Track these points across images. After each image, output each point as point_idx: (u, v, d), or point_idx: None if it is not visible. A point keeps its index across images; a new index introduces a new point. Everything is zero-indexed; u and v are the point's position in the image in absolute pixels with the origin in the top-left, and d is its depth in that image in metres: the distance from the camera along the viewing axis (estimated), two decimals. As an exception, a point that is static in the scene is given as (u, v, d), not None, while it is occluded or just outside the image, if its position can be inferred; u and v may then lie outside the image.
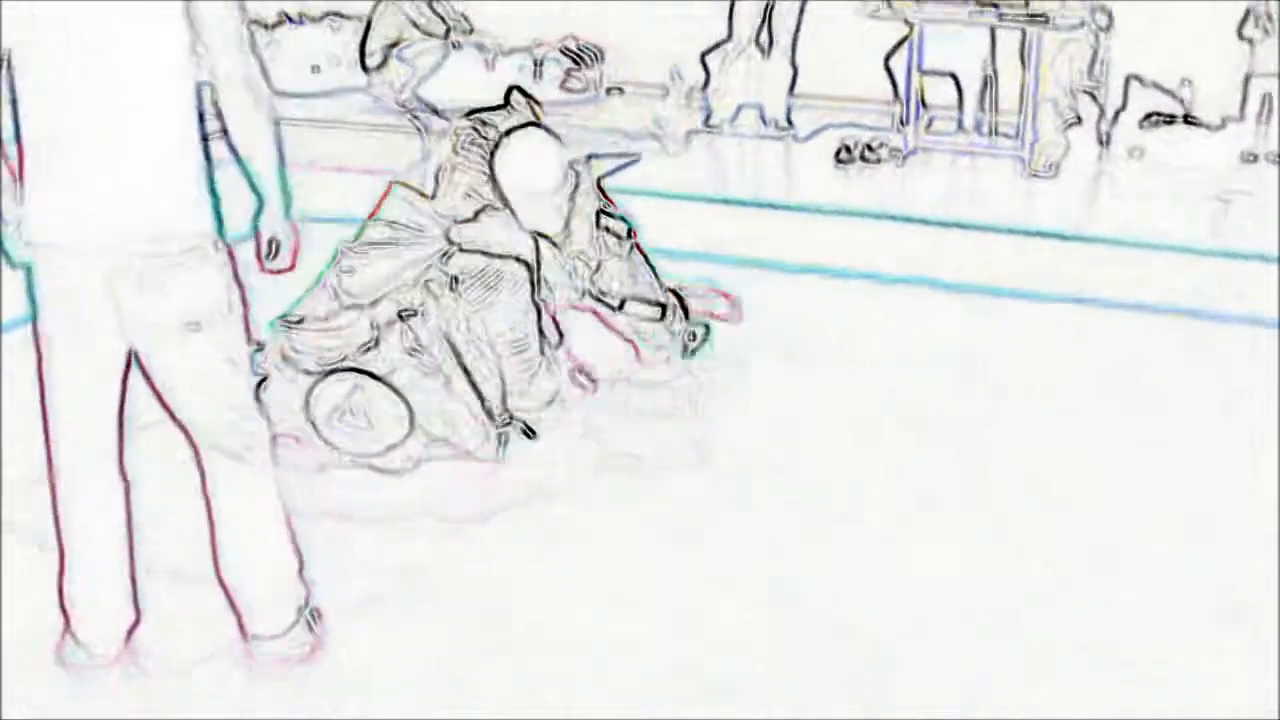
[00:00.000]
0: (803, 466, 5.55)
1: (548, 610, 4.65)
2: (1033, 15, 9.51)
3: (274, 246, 4.18)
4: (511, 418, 5.59)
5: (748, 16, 10.48)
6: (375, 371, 5.54)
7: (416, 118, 11.04)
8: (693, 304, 6.39)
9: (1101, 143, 9.91)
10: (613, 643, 4.48)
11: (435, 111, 11.27)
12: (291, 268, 4.25)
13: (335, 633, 4.43)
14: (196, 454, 4.21)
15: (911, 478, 5.47)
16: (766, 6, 10.45)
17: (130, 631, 4.29)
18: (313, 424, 5.60)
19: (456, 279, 5.58)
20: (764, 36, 10.50)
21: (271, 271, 4.21)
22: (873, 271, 7.57)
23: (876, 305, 7.26)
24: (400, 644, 4.48)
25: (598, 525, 5.18)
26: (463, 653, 4.43)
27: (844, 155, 9.85)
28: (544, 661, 4.40)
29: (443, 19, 11.48)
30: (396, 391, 5.52)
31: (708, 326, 6.37)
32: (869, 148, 9.85)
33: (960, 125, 10.09)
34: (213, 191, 4.06)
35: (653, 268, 6.39)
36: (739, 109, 10.65)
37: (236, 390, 4.18)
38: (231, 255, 4.11)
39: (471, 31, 11.51)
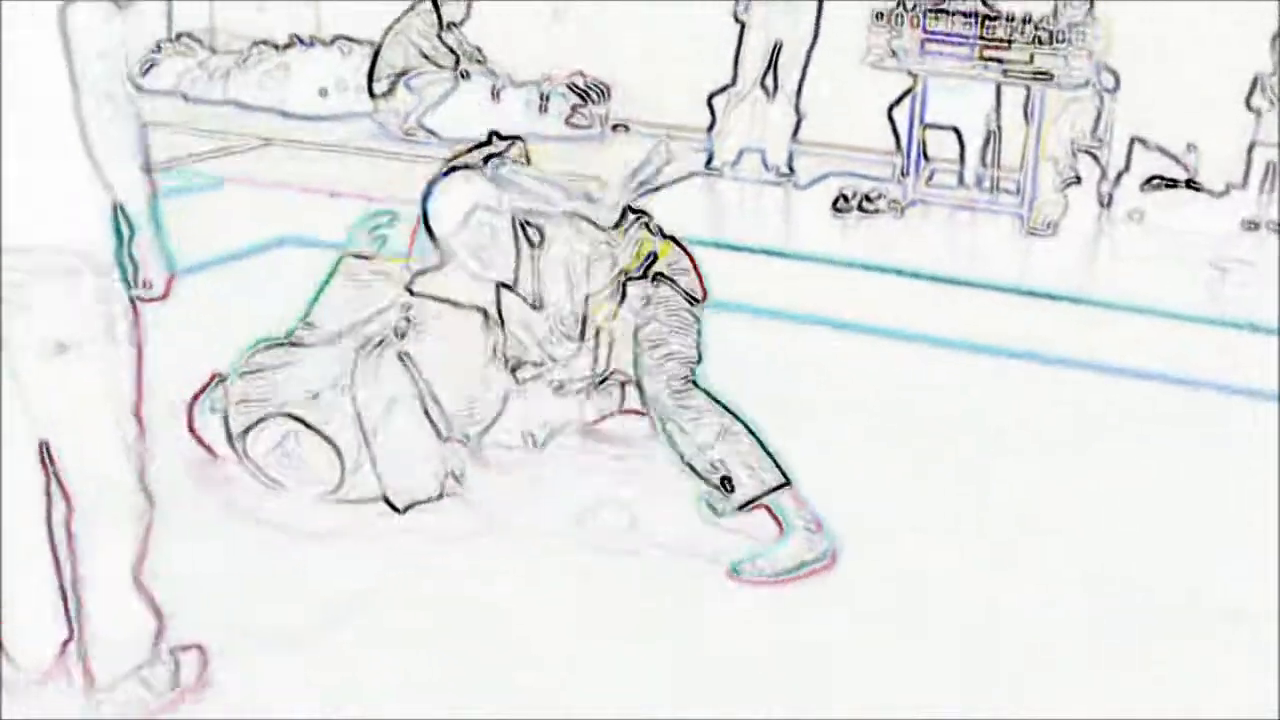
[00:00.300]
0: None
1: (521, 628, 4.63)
2: (1038, 72, 9.50)
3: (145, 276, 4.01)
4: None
5: (754, 61, 10.49)
6: (306, 419, 5.47)
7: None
8: None
9: (1102, 204, 9.90)
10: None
11: (434, 135, 11.29)
12: (163, 297, 4.06)
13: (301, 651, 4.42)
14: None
15: (900, 528, 5.43)
16: (772, 51, 10.45)
17: (64, 647, 4.23)
18: (253, 463, 5.56)
19: (408, 321, 5.50)
20: (769, 80, 10.50)
21: (143, 300, 4.02)
22: (865, 323, 7.53)
23: (866, 357, 7.22)
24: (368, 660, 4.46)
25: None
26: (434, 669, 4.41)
27: (842, 204, 9.84)
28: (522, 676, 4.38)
29: (452, 50, 11.50)
30: (327, 439, 5.45)
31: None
32: (867, 198, 9.84)
33: (961, 179, 10.08)
34: (122, 214, 3.92)
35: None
36: (741, 153, 10.65)
37: (111, 440, 4.00)
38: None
39: (483, 63, 11.53)
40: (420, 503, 5.40)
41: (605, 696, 4.35)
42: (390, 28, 11.51)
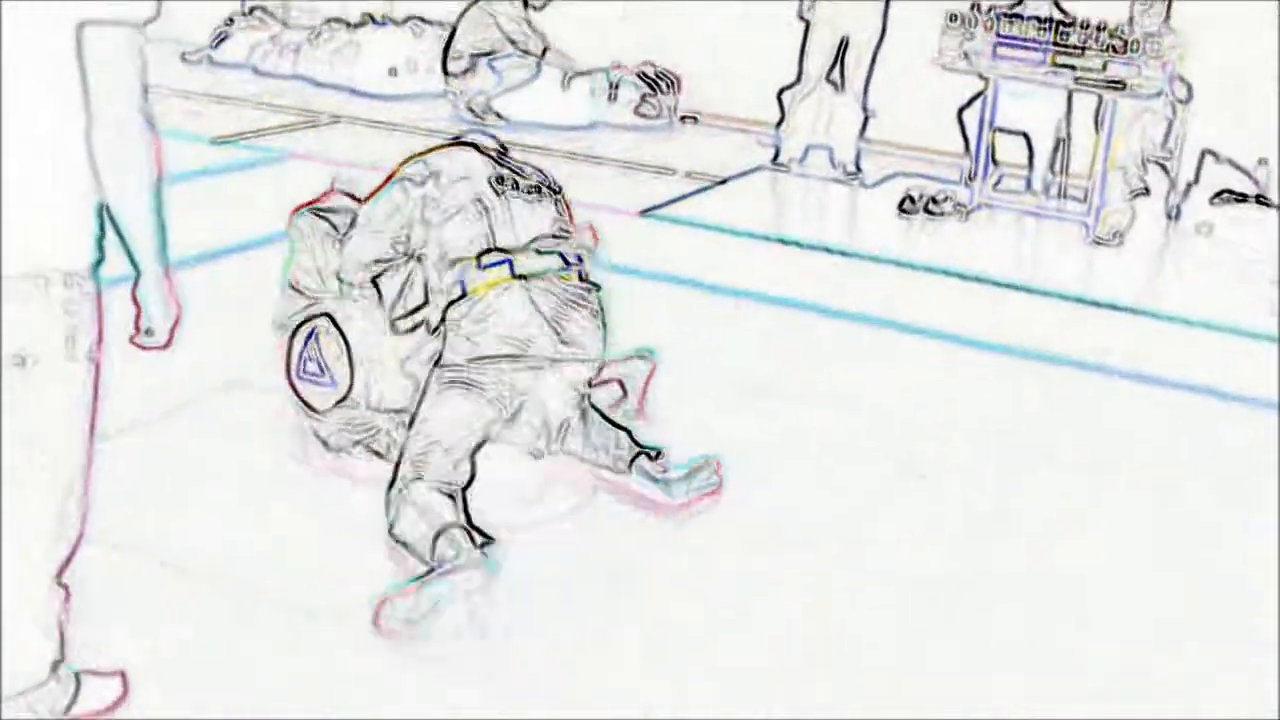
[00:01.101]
0: (840, 515, 5.48)
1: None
2: (1110, 81, 9.44)
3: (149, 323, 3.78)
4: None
5: (819, 57, 10.46)
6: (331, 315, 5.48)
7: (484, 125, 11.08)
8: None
9: (1170, 216, 9.84)
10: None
11: (502, 119, 11.31)
12: (166, 346, 3.80)
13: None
14: None
15: (944, 535, 5.40)
16: (839, 48, 10.43)
17: None
18: (291, 378, 5.58)
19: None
20: (836, 75, 10.48)
21: (142, 347, 3.78)
22: (925, 326, 7.50)
23: (926, 360, 7.19)
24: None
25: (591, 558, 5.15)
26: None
27: (908, 205, 9.80)
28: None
29: (542, 37, 11.52)
30: (342, 334, 5.45)
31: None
32: (934, 200, 9.80)
33: (1029, 185, 10.04)
34: (105, 229, 3.65)
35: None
36: (807, 149, 10.63)
37: (58, 456, 3.74)
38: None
39: (546, 50, 11.55)
40: None
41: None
42: (470, 6, 11.51)
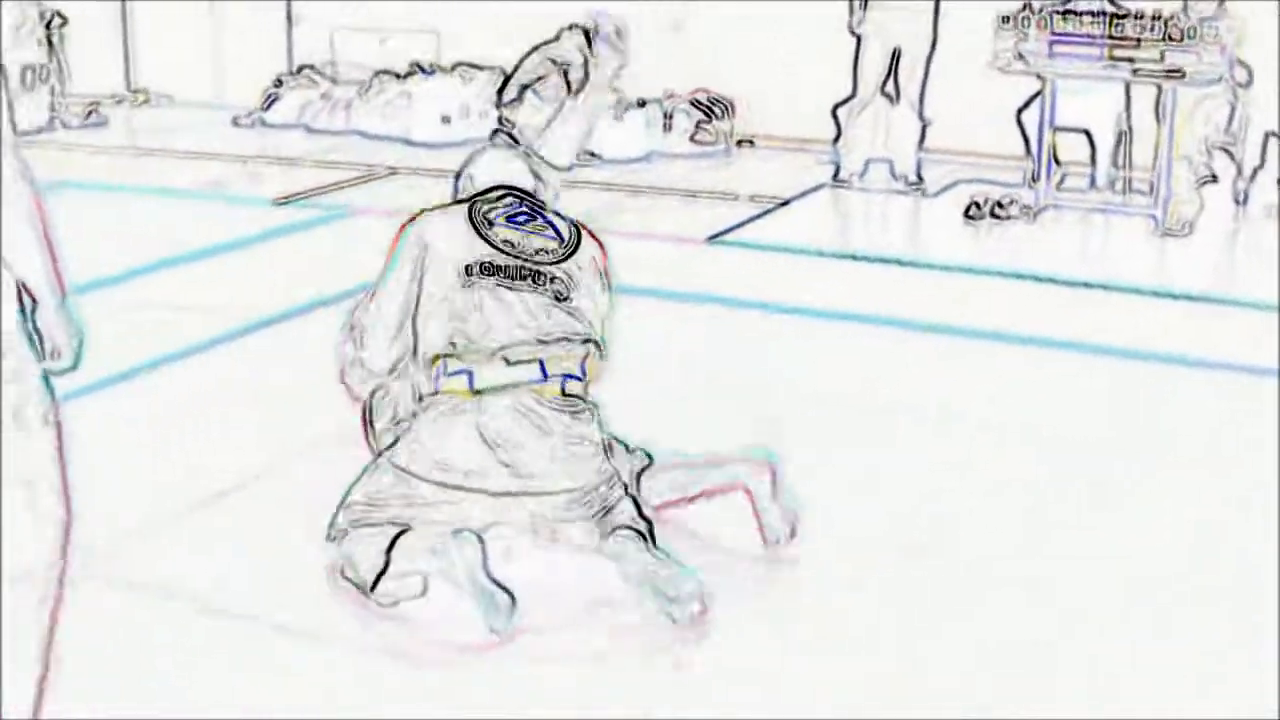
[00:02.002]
0: (936, 531, 5.42)
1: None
2: (1169, 70, 9.37)
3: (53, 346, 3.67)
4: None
5: (873, 70, 10.43)
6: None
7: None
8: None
9: (1238, 201, 9.75)
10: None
11: (594, 156, 11.31)
12: (74, 367, 3.70)
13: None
14: None
15: (1040, 541, 5.33)
16: (892, 59, 10.39)
17: None
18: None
19: None
20: (890, 88, 10.45)
21: (54, 373, 3.66)
22: (1003, 331, 7.45)
23: (1006, 365, 7.13)
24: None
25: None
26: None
27: (974, 211, 9.75)
28: None
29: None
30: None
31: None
32: (999, 204, 9.75)
33: (1093, 182, 9.97)
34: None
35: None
36: (867, 163, 10.59)
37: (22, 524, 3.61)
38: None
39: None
40: None
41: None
42: (532, 51, 11.50)
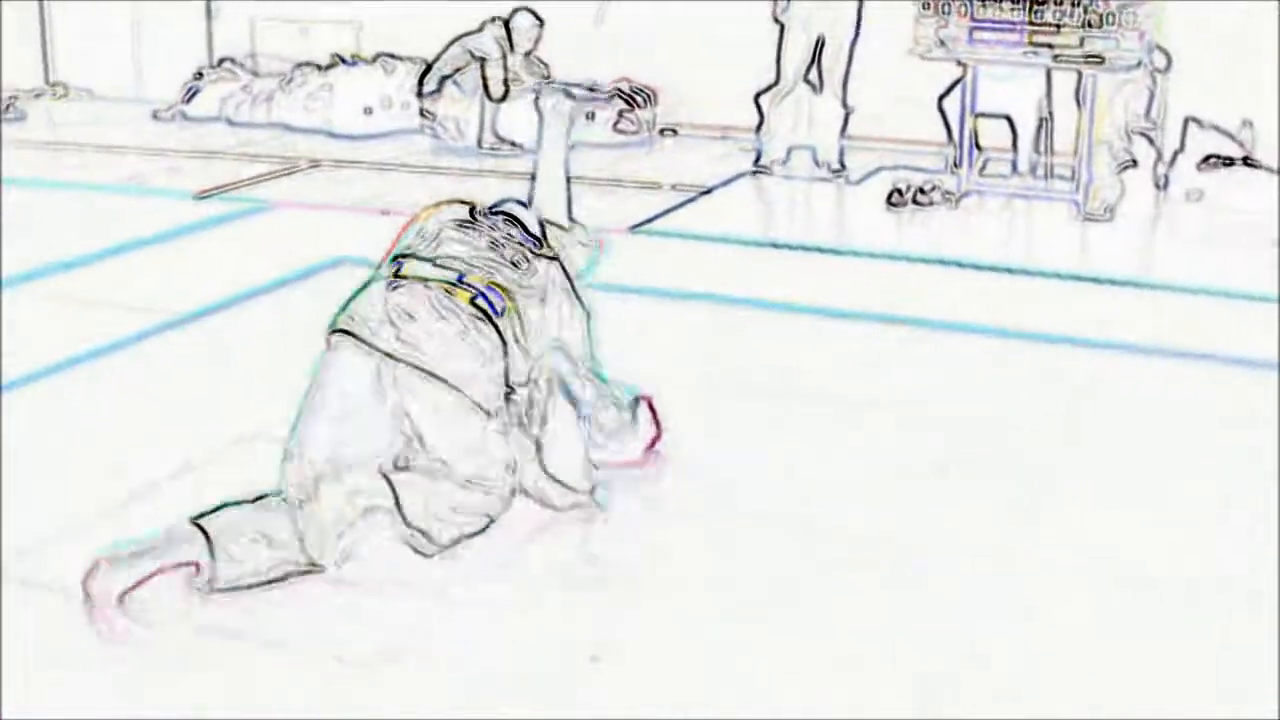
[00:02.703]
0: (869, 512, 5.43)
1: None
2: (1088, 56, 9.41)
3: None
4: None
5: (795, 58, 10.45)
6: None
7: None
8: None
9: (1158, 186, 9.82)
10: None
11: (515, 146, 11.31)
12: None
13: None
14: None
15: (976, 525, 5.34)
16: (815, 47, 10.41)
17: None
18: None
19: None
20: (814, 75, 10.47)
21: None
22: (925, 317, 7.46)
23: (928, 351, 7.14)
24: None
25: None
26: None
27: (896, 198, 9.78)
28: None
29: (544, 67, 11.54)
30: None
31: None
32: (921, 190, 9.78)
33: (1015, 168, 10.02)
34: None
35: None
36: (789, 151, 10.61)
37: None
38: None
39: (549, 79, 11.53)
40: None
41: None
42: (451, 43, 11.48)
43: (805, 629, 4.65)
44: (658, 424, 5.77)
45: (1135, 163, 9.66)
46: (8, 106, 12.55)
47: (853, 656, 4.50)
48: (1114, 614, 4.73)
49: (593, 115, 11.47)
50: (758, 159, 10.75)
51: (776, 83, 10.54)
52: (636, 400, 5.73)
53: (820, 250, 8.81)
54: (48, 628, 4.56)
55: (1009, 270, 8.34)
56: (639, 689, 4.32)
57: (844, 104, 10.50)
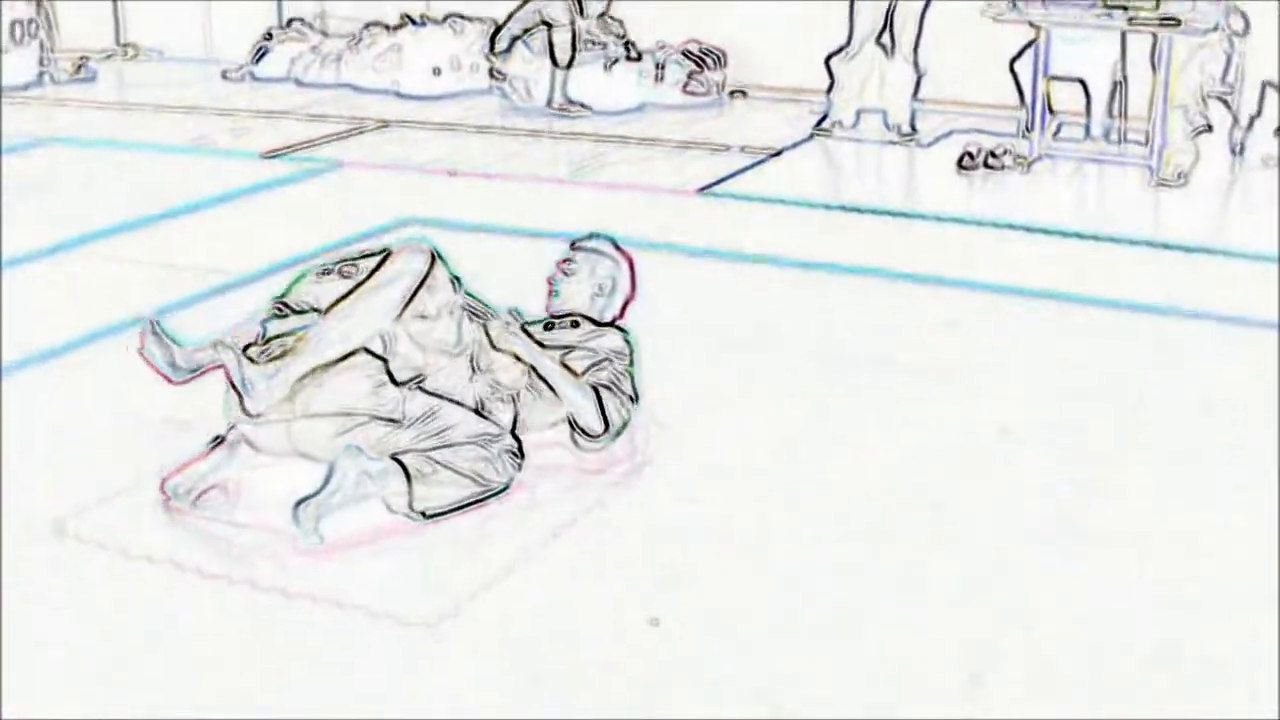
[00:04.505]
0: (927, 481, 5.40)
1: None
2: (1164, 19, 9.30)
3: None
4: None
5: (867, 20, 10.37)
6: None
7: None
8: None
9: (1234, 151, 9.69)
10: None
11: (585, 108, 11.29)
12: None
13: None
14: None
15: (1043, 493, 5.30)
16: (888, 9, 10.33)
17: None
18: None
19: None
20: (885, 38, 10.38)
21: None
22: (995, 282, 7.41)
23: (998, 316, 7.09)
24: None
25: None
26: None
27: (967, 162, 9.69)
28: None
29: (620, 25, 11.49)
30: None
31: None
32: (993, 154, 9.69)
33: (1088, 132, 9.91)
34: None
35: None
36: (859, 113, 10.53)
37: None
38: None
39: (623, 37, 11.50)
40: None
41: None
42: (524, 2, 11.46)
43: (863, 594, 4.63)
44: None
45: (1211, 128, 9.54)
46: (79, 68, 12.59)
47: (902, 621, 4.48)
48: (1172, 588, 4.69)
49: (661, 76, 11.44)
50: (820, 120, 10.67)
51: (848, 45, 10.46)
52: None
53: (890, 214, 8.75)
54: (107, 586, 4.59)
55: (1080, 235, 8.26)
56: (689, 659, 4.31)
57: (915, 67, 10.41)
